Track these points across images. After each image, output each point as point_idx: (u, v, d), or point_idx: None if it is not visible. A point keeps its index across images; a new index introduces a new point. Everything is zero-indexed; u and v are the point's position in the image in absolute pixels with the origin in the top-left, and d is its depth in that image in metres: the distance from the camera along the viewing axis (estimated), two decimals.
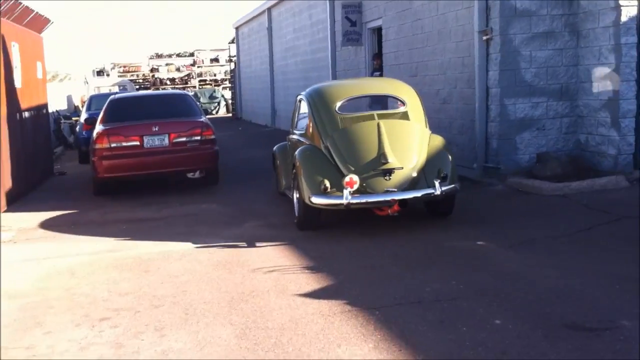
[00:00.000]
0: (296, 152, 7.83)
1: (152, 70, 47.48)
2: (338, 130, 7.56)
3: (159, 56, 48.41)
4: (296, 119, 8.98)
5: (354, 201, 6.89)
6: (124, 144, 10.28)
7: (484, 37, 9.44)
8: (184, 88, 45.22)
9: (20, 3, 11.22)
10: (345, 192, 6.83)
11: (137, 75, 48.12)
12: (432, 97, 11.24)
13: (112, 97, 11.71)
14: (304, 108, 8.48)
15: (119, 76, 45.59)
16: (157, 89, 44.47)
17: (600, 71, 8.87)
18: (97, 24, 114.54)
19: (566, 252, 6.08)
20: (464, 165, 10.14)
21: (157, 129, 10.35)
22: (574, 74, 9.31)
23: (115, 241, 7.61)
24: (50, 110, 20.62)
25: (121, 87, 32.58)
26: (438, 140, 7.70)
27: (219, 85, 43.78)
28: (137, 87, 45.54)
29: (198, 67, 47.52)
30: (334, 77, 16.22)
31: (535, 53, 9.30)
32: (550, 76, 9.29)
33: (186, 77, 47.28)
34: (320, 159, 7.48)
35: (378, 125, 7.39)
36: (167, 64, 48.16)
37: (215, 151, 10.70)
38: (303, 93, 8.67)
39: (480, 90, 9.53)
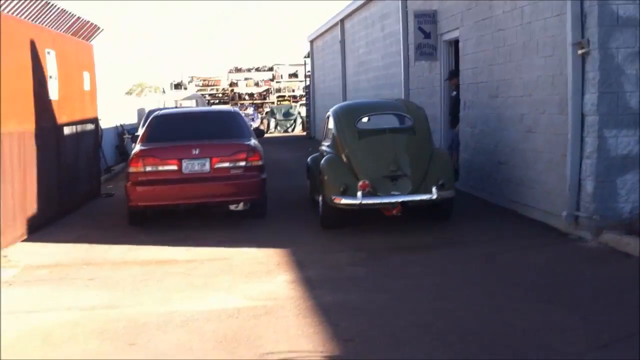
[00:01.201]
0: (322, 161, 9.18)
1: (231, 84, 47.12)
2: (356, 142, 8.89)
3: (238, 70, 48.04)
4: (325, 132, 10.39)
5: (365, 201, 8.24)
6: (160, 168, 9.10)
7: (579, 51, 7.71)
8: (262, 103, 44.69)
9: (55, 5, 10.28)
10: (359, 193, 8.16)
11: (217, 90, 47.96)
12: (515, 124, 9.54)
13: (155, 113, 10.61)
14: (331, 123, 9.74)
15: (198, 90, 45.56)
16: (236, 104, 44.14)
17: None
18: (182, 38, 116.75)
19: None
20: (550, 212, 8.40)
21: (197, 152, 9.12)
22: None
23: (118, 292, 6.37)
24: (116, 124, 20.10)
25: (197, 101, 32.17)
26: (440, 154, 9.19)
27: (297, 102, 42.88)
28: (216, 101, 45.47)
29: (277, 82, 46.89)
30: (407, 96, 14.67)
31: None
32: None
33: (264, 92, 46.67)
34: (340, 166, 8.81)
35: (389, 138, 8.87)
36: (246, 79, 47.70)
37: (262, 180, 9.37)
38: (330, 110, 10.02)
39: (574, 117, 7.79)
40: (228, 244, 8.27)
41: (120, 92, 34.20)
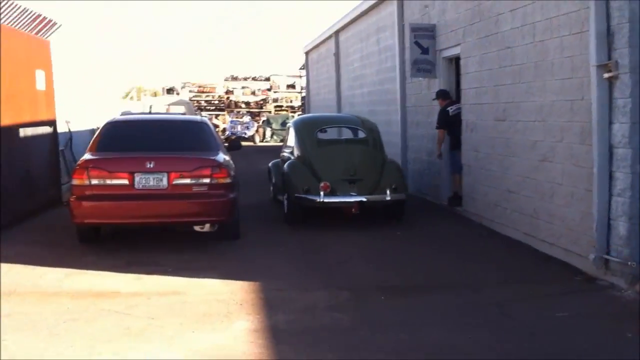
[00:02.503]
0: (286, 164, 10.24)
1: (227, 92, 45.96)
2: (316, 149, 10.02)
3: (234, 78, 46.94)
4: (287, 141, 11.63)
5: (327, 200, 9.24)
6: (109, 181, 7.88)
7: (605, 75, 6.55)
8: (258, 113, 43.48)
9: None
10: (321, 193, 9.20)
11: (212, 97, 46.77)
12: (526, 151, 8.38)
13: (111, 119, 9.41)
14: (292, 133, 10.86)
15: (193, 96, 44.50)
16: (231, 111, 43.03)
17: None
18: (181, 44, 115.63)
19: None
20: (573, 252, 7.24)
21: (152, 165, 7.90)
22: None
23: (32, 337, 5.11)
24: (92, 127, 18.87)
25: (185, 107, 30.93)
26: (392, 163, 10.28)
27: (295, 112, 41.76)
28: (212, 108, 44.31)
29: (274, 92, 45.79)
30: (403, 114, 13.55)
31: None
32: None
33: (261, 102, 45.56)
34: (303, 169, 9.82)
35: (345, 147, 10.28)
36: (242, 87, 46.56)
37: (230, 200, 8.14)
38: (291, 122, 11.65)
39: (600, 149, 6.61)
40: (187, 273, 7.05)
41: (117, 95, 33.13)
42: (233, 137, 32.87)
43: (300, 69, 31.10)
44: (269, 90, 45.78)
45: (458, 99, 10.93)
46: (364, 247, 8.49)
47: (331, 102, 21.98)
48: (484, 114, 9.66)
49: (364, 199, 9.30)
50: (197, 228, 8.33)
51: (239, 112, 42.55)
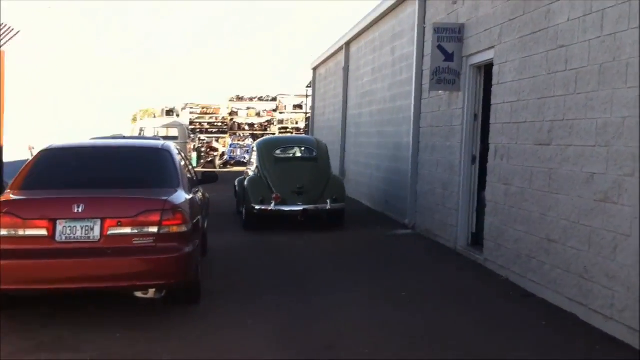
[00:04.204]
0: (246, 179, 12.27)
1: (231, 113, 44.12)
2: (273, 166, 11.98)
3: (240, 98, 45.08)
4: (250, 159, 13.78)
5: (277, 208, 11.27)
6: (21, 232, 5.81)
7: None
8: (262, 135, 41.56)
9: None
10: (272, 203, 11.24)
11: (216, 118, 44.94)
12: (578, 186, 6.29)
13: (47, 146, 7.34)
14: (255, 152, 12.77)
15: (196, 118, 42.82)
16: (234, 133, 41.27)
17: None
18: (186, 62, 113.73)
19: None
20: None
21: (81, 208, 5.84)
22: None
23: None
24: None
25: (179, 130, 28.90)
26: (335, 178, 12.42)
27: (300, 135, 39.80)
28: (214, 130, 42.51)
29: (280, 113, 43.94)
30: (416, 136, 11.47)
31: None
32: None
33: (266, 123, 43.67)
34: (260, 183, 11.78)
35: (297, 164, 12.29)
36: (248, 108, 44.72)
37: (186, 255, 6.01)
38: (255, 143, 13.72)
39: None
40: None
41: (123, 117, 31.10)
42: (232, 161, 30.88)
43: (307, 86, 29.10)
44: (274, 111, 43.98)
45: (486, 118, 8.86)
46: (360, 315, 6.41)
47: (335, 122, 19.98)
48: (521, 135, 7.58)
49: (308, 207, 11.19)
50: (138, 294, 6.22)
51: (241, 134, 40.81)
